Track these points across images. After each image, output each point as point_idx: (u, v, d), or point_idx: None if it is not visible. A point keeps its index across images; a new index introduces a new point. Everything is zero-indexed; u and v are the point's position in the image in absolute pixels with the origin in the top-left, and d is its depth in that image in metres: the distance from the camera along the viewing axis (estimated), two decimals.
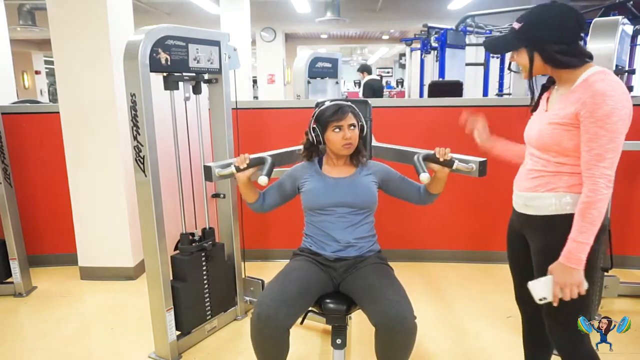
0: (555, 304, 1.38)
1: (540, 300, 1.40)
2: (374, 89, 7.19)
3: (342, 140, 1.81)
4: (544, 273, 1.40)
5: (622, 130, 1.27)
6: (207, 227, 2.43)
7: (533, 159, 1.46)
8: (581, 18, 1.34)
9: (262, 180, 1.77)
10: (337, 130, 1.81)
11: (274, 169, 1.85)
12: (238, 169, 1.83)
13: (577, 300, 1.36)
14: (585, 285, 1.34)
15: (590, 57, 1.36)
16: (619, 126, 1.26)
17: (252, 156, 1.85)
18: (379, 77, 7.11)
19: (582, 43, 1.39)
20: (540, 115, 1.47)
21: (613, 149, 1.27)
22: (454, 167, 1.79)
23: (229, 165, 1.88)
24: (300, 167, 1.97)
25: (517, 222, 1.58)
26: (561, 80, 1.41)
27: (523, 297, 1.62)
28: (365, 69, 7.53)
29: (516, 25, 1.38)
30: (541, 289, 1.39)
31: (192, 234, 2.37)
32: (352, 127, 1.82)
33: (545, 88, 1.52)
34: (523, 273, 1.60)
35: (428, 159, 1.80)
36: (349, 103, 1.87)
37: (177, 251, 2.33)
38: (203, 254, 2.36)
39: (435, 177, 1.82)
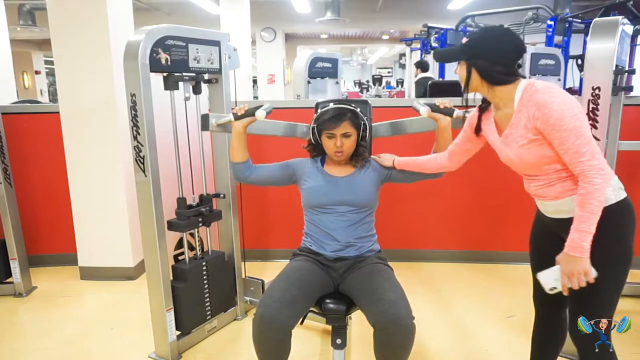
0: (565, 293, 1.42)
1: (551, 290, 1.44)
2: (425, 88, 6.54)
3: (334, 147, 1.82)
4: None
5: (582, 123, 1.32)
6: (205, 193, 2.42)
7: (534, 179, 1.51)
8: (520, 43, 1.45)
9: (260, 113, 1.83)
10: (330, 137, 1.82)
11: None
12: (236, 117, 1.86)
13: (603, 297, 1.43)
14: (593, 274, 1.35)
15: (522, 76, 1.46)
16: (576, 121, 1.31)
17: (251, 107, 1.89)
18: (431, 77, 6.59)
19: (518, 64, 1.50)
20: (502, 141, 1.53)
21: (584, 142, 1.31)
22: (455, 114, 1.86)
23: (226, 115, 1.92)
24: (305, 161, 1.98)
25: (550, 225, 1.58)
26: (496, 99, 1.50)
27: (541, 296, 1.66)
28: (421, 65, 6.90)
29: (464, 40, 1.49)
30: (550, 279, 1.43)
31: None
32: (346, 136, 1.81)
33: (481, 109, 1.62)
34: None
35: (428, 106, 1.87)
36: (351, 107, 1.86)
37: (175, 217, 2.30)
38: (200, 219, 2.34)
39: (438, 129, 1.87)
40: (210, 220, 2.40)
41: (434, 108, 1.87)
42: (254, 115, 1.88)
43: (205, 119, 1.97)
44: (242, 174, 1.95)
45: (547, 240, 1.61)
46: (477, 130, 1.64)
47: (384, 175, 1.94)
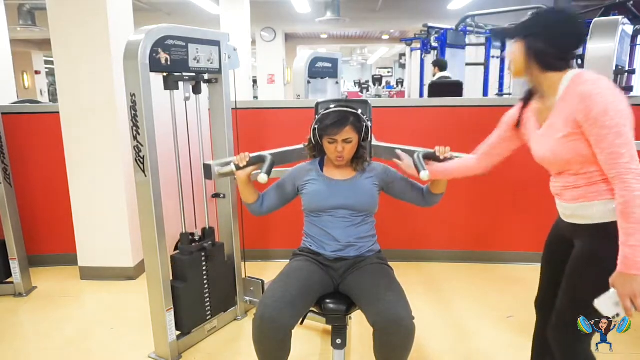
0: (630, 318, 1.30)
1: (614, 317, 1.29)
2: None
3: (335, 152, 1.81)
4: (578, 279, 1.36)
5: (624, 122, 1.23)
6: (207, 227, 2.43)
7: (562, 177, 1.42)
8: (582, 32, 1.37)
9: (262, 178, 1.77)
10: (331, 142, 1.80)
11: (275, 169, 1.85)
12: (238, 167, 1.83)
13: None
14: None
15: (571, 66, 1.38)
16: (619, 119, 1.22)
17: (252, 155, 1.85)
18: (449, 76, 6.24)
19: (575, 54, 1.41)
20: (540, 133, 1.45)
21: (624, 143, 1.21)
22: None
23: (228, 163, 1.88)
24: (301, 168, 1.97)
25: (565, 230, 1.49)
26: (543, 87, 1.41)
27: (544, 302, 1.62)
28: (438, 63, 6.43)
29: (525, 18, 1.41)
30: (609, 305, 1.27)
31: (192, 234, 2.37)
32: (347, 141, 1.80)
33: (525, 102, 1.52)
34: (554, 278, 1.55)
35: (428, 157, 1.80)
36: (353, 110, 1.84)
37: (177, 251, 2.32)
38: (203, 254, 2.36)
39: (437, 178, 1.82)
40: (213, 254, 2.42)
41: (433, 157, 1.80)
42: (255, 165, 1.85)
43: (207, 169, 1.94)
44: (257, 211, 1.95)
45: (561, 246, 1.52)
46: (518, 123, 1.54)
47: (384, 184, 1.92)
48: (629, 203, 1.20)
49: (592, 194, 1.33)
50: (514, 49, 1.42)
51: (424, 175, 1.71)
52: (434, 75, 6.25)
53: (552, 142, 1.38)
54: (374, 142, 2.28)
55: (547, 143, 1.40)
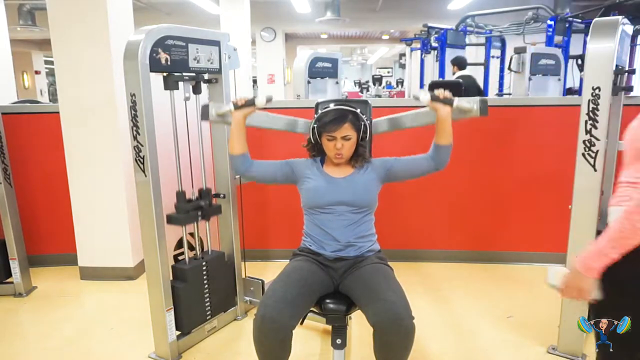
0: (561, 297, 1.33)
1: (550, 286, 1.35)
2: (465, 87, 5.75)
3: (333, 149, 1.82)
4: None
5: None
6: (204, 187, 2.41)
7: (623, 175, 1.29)
8: None
9: (260, 100, 1.83)
10: (330, 139, 1.81)
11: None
12: (236, 106, 1.86)
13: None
14: (594, 296, 1.22)
15: None
16: None
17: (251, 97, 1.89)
18: (470, 75, 6.02)
19: None
20: None
21: None
22: (455, 104, 1.79)
23: (226, 105, 1.93)
24: (304, 161, 1.97)
25: None
26: None
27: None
28: (457, 62, 6.11)
29: None
30: (557, 277, 1.32)
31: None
32: (346, 139, 1.80)
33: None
34: None
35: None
36: (352, 108, 1.85)
37: (174, 211, 2.29)
38: (200, 213, 2.33)
39: (438, 120, 1.81)
40: (210, 214, 2.39)
41: (433, 97, 1.81)
42: (254, 105, 1.88)
43: (205, 109, 1.99)
44: (241, 166, 1.93)
45: None
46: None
47: (384, 175, 1.92)
48: (629, 213, 1.12)
49: (623, 198, 1.24)
50: None
51: (423, 97, 1.76)
52: (453, 74, 6.09)
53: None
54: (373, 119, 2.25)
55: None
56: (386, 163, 1.93)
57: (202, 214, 2.35)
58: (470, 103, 1.83)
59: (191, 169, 2.41)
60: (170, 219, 2.23)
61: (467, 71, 6.07)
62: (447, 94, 1.81)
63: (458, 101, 1.80)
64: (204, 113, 1.99)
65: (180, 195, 2.29)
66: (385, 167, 1.92)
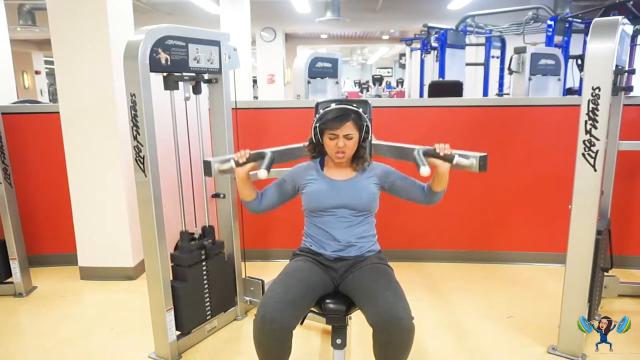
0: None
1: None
2: None
3: (335, 147, 1.81)
4: None
5: None
6: (207, 225, 2.43)
7: None
8: None
9: (262, 174, 1.77)
10: (332, 137, 1.81)
11: (274, 168, 1.85)
12: (237, 164, 1.83)
13: None
14: None
15: None
16: None
17: (252, 152, 1.85)
18: None
19: None
20: None
21: None
22: (455, 161, 1.77)
23: (228, 160, 1.88)
24: (301, 167, 1.97)
25: None
26: None
27: None
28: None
29: None
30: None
31: (192, 233, 2.37)
32: (348, 137, 1.80)
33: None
34: None
35: (428, 154, 1.78)
36: (354, 108, 1.85)
37: (177, 250, 2.32)
38: (203, 252, 2.35)
39: (437, 173, 1.81)
40: (213, 252, 2.42)
41: (433, 154, 1.78)
42: (255, 161, 1.84)
43: (207, 165, 1.94)
44: (255, 209, 1.94)
45: None
46: None
47: (385, 185, 1.92)
48: None
49: None
50: None
51: (424, 170, 1.70)
52: None
53: None
54: (375, 141, 2.28)
55: None
56: (389, 175, 1.92)
57: (206, 253, 2.37)
58: (469, 160, 1.81)
59: (191, 168, 2.40)
60: (174, 259, 2.28)
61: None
62: (447, 150, 1.77)
63: (457, 159, 1.77)
64: (206, 170, 1.95)
65: (184, 234, 2.32)
66: (387, 179, 1.92)
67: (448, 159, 1.77)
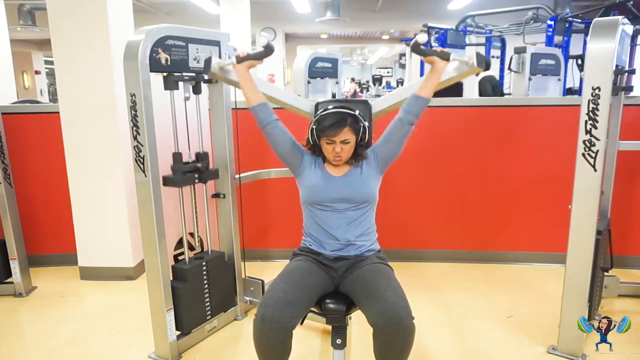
0: None
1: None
2: (492, 87, 5.71)
3: (332, 152, 1.81)
4: None
5: None
6: (202, 151, 2.37)
7: None
8: None
9: (263, 40, 1.83)
10: (329, 142, 1.81)
11: (274, 168, 1.85)
12: (238, 59, 1.89)
13: None
14: None
15: None
16: None
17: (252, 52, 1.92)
18: (493, 75, 5.88)
19: None
20: None
21: None
22: (452, 57, 1.84)
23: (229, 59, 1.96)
24: (311, 155, 1.95)
25: None
26: None
27: None
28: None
29: None
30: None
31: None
32: (345, 142, 1.80)
33: None
34: None
35: (426, 51, 1.86)
36: (351, 111, 1.84)
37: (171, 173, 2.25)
38: (196, 175, 2.30)
39: (431, 72, 1.84)
40: (207, 177, 2.36)
41: (430, 52, 1.85)
42: (255, 58, 1.90)
43: (208, 62, 2.01)
44: (264, 116, 1.90)
45: None
46: None
47: (377, 164, 1.90)
48: None
49: None
50: None
51: (420, 36, 1.82)
52: (477, 75, 6.00)
53: None
54: (376, 108, 2.23)
55: None
56: (373, 152, 1.92)
57: (199, 177, 2.31)
58: (466, 58, 1.88)
59: (188, 140, 2.36)
60: (166, 181, 2.20)
61: (491, 72, 6.02)
62: (444, 49, 1.85)
63: (454, 55, 1.85)
64: (207, 66, 2.03)
65: (177, 156, 2.23)
66: (375, 157, 1.91)
67: (444, 56, 1.83)
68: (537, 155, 3.18)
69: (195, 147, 2.39)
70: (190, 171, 2.27)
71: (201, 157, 2.36)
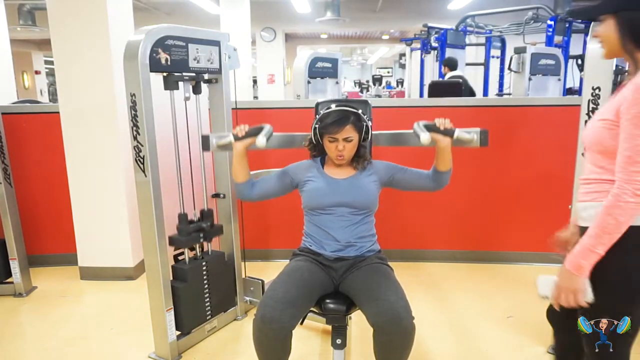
0: (555, 307, 1.33)
1: (542, 297, 1.38)
2: (466, 87, 5.81)
3: (335, 150, 1.82)
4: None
5: None
6: (206, 209, 2.42)
7: (586, 166, 1.32)
8: None
9: (260, 140, 1.80)
10: (332, 140, 1.81)
11: (271, 168, 1.85)
12: (236, 138, 1.85)
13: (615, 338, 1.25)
14: (587, 297, 1.22)
15: None
16: None
17: (251, 127, 1.87)
18: (461, 75, 6.01)
19: None
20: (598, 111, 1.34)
21: None
22: (456, 136, 1.78)
23: (226, 135, 1.90)
24: (303, 165, 1.97)
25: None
26: (637, 68, 1.20)
27: (553, 314, 1.53)
28: (448, 62, 6.20)
29: None
30: (546, 286, 1.34)
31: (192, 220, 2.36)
32: (348, 140, 1.80)
33: (619, 83, 1.40)
34: None
35: (428, 128, 1.79)
36: (354, 109, 1.85)
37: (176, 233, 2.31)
38: (201, 235, 2.35)
39: (438, 149, 1.82)
40: (212, 235, 2.42)
41: (433, 128, 1.79)
42: (254, 136, 1.85)
43: (205, 140, 1.97)
44: (245, 193, 1.94)
45: None
46: None
47: (386, 180, 1.92)
48: (608, 209, 1.15)
49: (597, 193, 1.24)
50: (604, 29, 1.23)
51: (423, 137, 1.72)
52: (444, 75, 6.14)
53: (594, 121, 1.26)
54: (372, 132, 2.24)
55: (591, 122, 1.30)
56: (390, 169, 1.93)
57: (204, 236, 2.37)
58: (470, 134, 1.82)
59: (191, 168, 2.41)
60: (172, 241, 2.27)
61: (459, 71, 6.13)
62: (447, 124, 1.79)
63: (458, 133, 1.78)
64: (205, 144, 1.98)
65: (183, 217, 2.30)
66: (388, 173, 1.92)
67: (449, 133, 1.78)
68: (537, 155, 3.18)
69: (195, 148, 2.40)
70: (196, 230, 2.34)
71: (206, 215, 2.41)
